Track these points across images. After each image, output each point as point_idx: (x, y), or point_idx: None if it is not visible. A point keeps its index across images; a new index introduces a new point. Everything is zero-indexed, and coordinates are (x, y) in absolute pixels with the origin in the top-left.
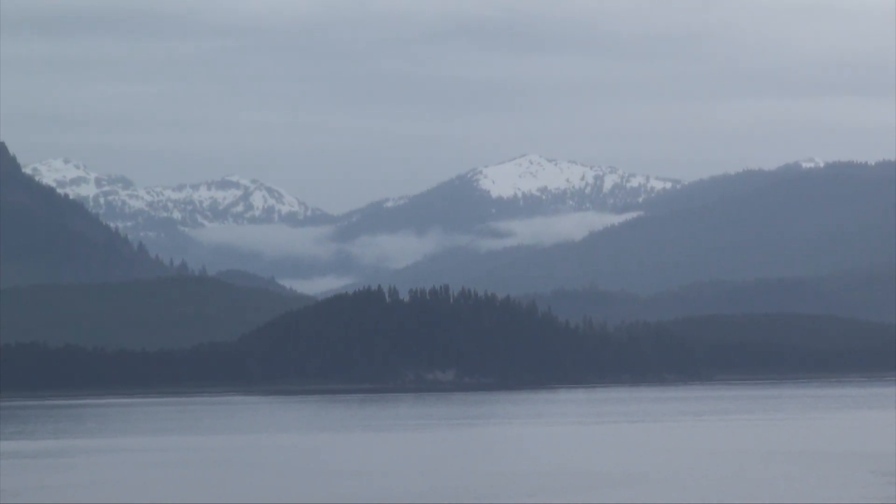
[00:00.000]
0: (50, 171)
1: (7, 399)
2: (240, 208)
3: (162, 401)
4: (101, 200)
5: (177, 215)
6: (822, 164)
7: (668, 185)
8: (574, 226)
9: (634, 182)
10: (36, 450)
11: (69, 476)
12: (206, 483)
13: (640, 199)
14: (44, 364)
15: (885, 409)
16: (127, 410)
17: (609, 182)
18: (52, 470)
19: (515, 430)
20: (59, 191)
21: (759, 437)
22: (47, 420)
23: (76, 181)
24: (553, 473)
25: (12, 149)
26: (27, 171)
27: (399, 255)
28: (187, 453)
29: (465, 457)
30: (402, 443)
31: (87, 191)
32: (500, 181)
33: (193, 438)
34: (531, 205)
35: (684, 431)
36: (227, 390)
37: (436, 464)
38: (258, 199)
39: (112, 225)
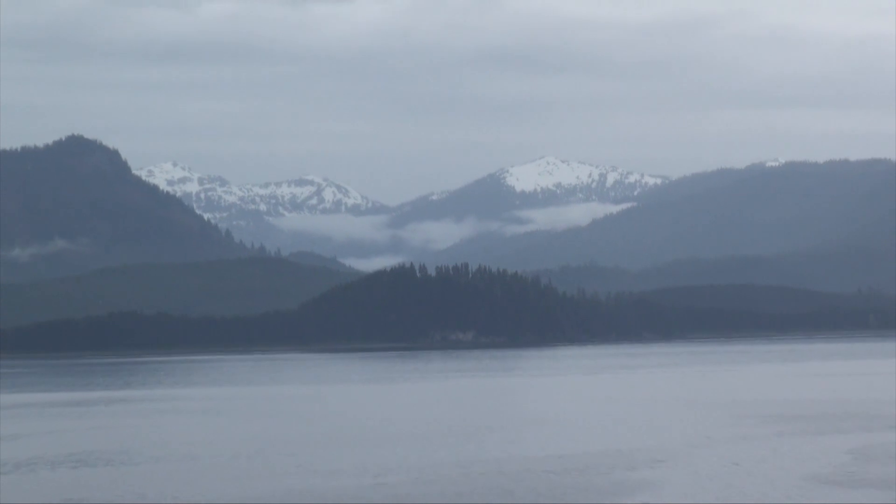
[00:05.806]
0: (162, 173)
1: (110, 357)
2: (314, 201)
3: (231, 357)
4: (202, 196)
5: (263, 207)
6: (782, 163)
7: (659, 180)
8: (581, 214)
9: (631, 178)
10: (80, 399)
11: (83, 422)
12: (217, 428)
13: (636, 192)
14: (139, 328)
15: (805, 362)
16: (201, 366)
17: (611, 178)
18: (74, 417)
19: (498, 380)
20: (169, 188)
21: (665, 387)
22: (119, 373)
23: (182, 180)
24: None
25: (128, 154)
26: (143, 172)
27: (441, 239)
28: (228, 402)
29: (460, 403)
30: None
31: (191, 188)
32: (524, 178)
33: (240, 389)
34: (548, 197)
35: (605, 382)
36: (287, 349)
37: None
38: (329, 194)
39: (207, 215)
